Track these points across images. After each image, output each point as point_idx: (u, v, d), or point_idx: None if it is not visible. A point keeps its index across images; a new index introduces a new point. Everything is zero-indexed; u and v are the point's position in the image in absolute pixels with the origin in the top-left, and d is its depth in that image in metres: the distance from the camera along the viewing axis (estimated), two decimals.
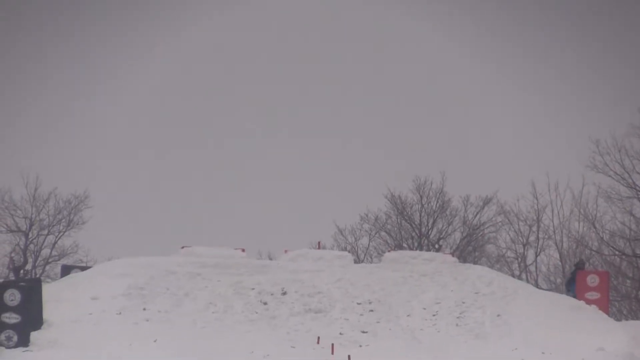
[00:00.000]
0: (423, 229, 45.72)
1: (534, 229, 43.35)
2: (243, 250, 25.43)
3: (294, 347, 17.78)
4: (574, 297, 23.37)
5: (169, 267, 22.76)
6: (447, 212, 46.12)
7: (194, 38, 74.55)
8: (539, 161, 59.14)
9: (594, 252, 39.32)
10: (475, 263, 37.53)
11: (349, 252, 35.85)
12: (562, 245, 42.07)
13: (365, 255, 46.94)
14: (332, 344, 17.98)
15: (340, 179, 66.97)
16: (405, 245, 44.60)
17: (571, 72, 70.74)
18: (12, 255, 42.55)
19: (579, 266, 24.93)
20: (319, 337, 18.94)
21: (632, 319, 26.38)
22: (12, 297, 16.62)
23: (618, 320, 24.44)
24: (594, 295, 23.13)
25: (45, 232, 44.39)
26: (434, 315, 21.29)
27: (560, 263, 42.01)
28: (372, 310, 21.46)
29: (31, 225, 43.89)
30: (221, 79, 76.77)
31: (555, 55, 73.48)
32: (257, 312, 21.20)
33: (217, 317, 20.47)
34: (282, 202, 65.12)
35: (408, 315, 21.20)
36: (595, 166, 36.27)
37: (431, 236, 45.80)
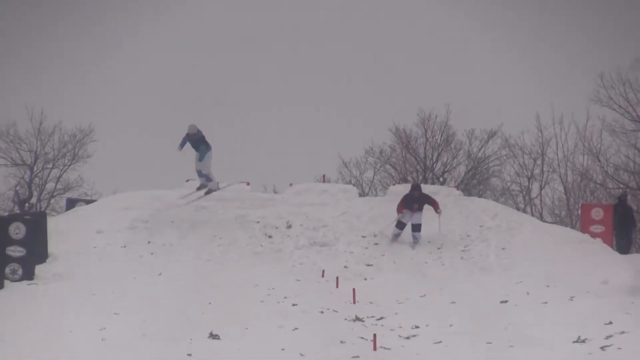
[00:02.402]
0: (428, 163, 45.71)
1: (539, 162, 43.36)
2: (248, 184, 25.41)
3: (298, 280, 17.82)
4: (615, 228, 23.43)
5: (173, 200, 22.75)
6: (452, 146, 46.11)
7: None
8: (543, 95, 58.80)
9: (598, 186, 39.34)
10: (479, 196, 37.53)
11: (353, 185, 35.89)
12: (566, 178, 42.10)
13: (370, 188, 47.02)
14: (337, 277, 18.01)
15: (345, 113, 66.75)
16: (410, 178, 44.57)
17: (576, 5, 69.93)
18: (17, 188, 42.67)
19: (622, 198, 24.73)
20: (323, 271, 18.98)
21: (637, 252, 26.37)
22: (17, 230, 16.60)
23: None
24: (598, 228, 23.12)
25: (50, 165, 44.48)
26: (438, 248, 21.32)
27: (564, 196, 42.02)
28: (376, 244, 21.49)
29: (36, 158, 43.92)
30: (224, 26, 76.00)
31: None
32: (261, 246, 21.24)
33: (221, 251, 20.51)
34: (286, 136, 65.07)
35: (412, 249, 21.24)
36: (600, 100, 36.26)
37: (436, 169, 45.81)
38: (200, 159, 21.57)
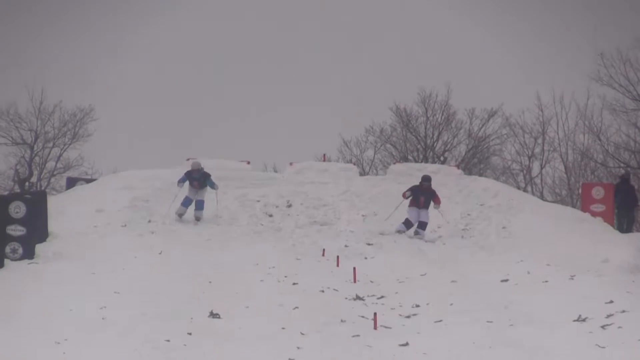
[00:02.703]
0: (428, 141, 45.66)
1: (539, 141, 43.27)
2: (248, 163, 25.37)
3: (299, 259, 17.81)
4: (617, 207, 23.39)
5: (173, 179, 22.72)
6: (453, 125, 46.04)
7: None
8: (544, 74, 58.62)
9: (599, 165, 39.32)
10: (480, 175, 37.50)
11: (354, 164, 35.84)
12: (567, 157, 42.01)
13: (370, 167, 46.99)
14: (337, 256, 18.00)
15: (346, 92, 66.62)
16: (410, 157, 44.57)
17: None
18: (18, 167, 42.63)
19: (625, 177, 24.67)
20: (324, 249, 18.96)
21: (637, 230, 26.36)
22: (17, 209, 16.57)
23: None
24: (599, 207, 23.10)
25: (51, 144, 44.39)
26: (439, 227, 21.32)
27: (565, 175, 42.01)
28: (377, 223, 21.48)
29: (36, 137, 43.85)
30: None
31: None
32: (262, 224, 21.23)
33: (222, 229, 20.51)
34: (287, 114, 64.96)
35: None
36: (600, 79, 36.18)
37: (436, 148, 45.76)
38: (212, 185, 21.38)
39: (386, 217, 21.24)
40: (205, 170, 21.58)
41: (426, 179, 21.53)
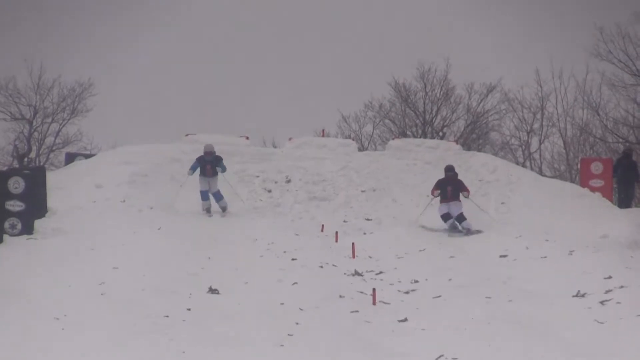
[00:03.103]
0: (427, 117, 45.53)
1: (538, 116, 43.11)
2: (247, 138, 25.31)
3: (297, 235, 17.83)
4: (617, 182, 23.37)
5: (173, 154, 22.70)
6: (451, 100, 45.86)
7: None
8: (542, 49, 58.37)
9: (597, 140, 39.30)
10: (479, 150, 37.44)
11: (353, 139, 35.80)
12: (566, 132, 41.94)
13: (369, 143, 46.87)
14: (336, 232, 18.02)
15: (345, 67, 66.40)
16: (409, 132, 44.46)
17: None
18: (16, 143, 42.52)
19: (627, 152, 24.58)
20: (322, 225, 18.98)
21: (636, 206, 26.35)
22: (16, 184, 16.57)
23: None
24: (598, 182, 23.07)
25: (50, 120, 44.23)
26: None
27: (564, 150, 41.96)
28: (376, 198, 21.48)
29: (35, 113, 43.68)
30: None
31: None
32: (261, 200, 21.24)
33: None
34: (286, 90, 64.82)
35: (412, 202, 21.24)
36: (599, 54, 35.97)
37: (435, 124, 45.64)
38: (223, 169, 20.45)
39: (417, 217, 20.06)
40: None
41: (449, 169, 20.37)
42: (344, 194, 21.73)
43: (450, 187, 19.80)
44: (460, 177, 20.29)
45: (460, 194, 19.70)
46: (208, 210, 20.20)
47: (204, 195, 20.35)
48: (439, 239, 17.97)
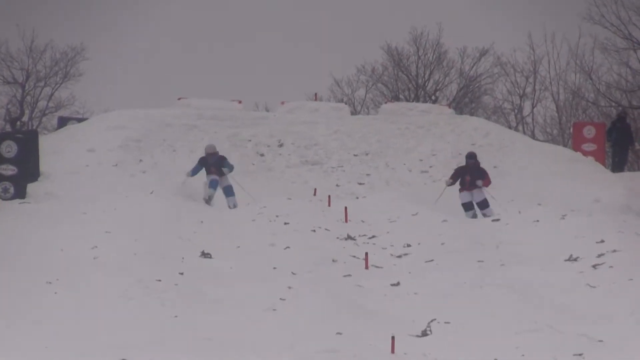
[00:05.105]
0: (420, 81, 45.42)
1: (531, 80, 43.06)
2: (240, 102, 25.21)
3: (290, 199, 17.78)
4: (612, 145, 23.37)
5: (165, 119, 22.60)
6: (444, 64, 45.73)
7: None
8: (535, 12, 58.13)
9: (590, 104, 39.30)
10: (471, 114, 37.42)
11: (345, 103, 35.69)
12: (558, 96, 41.91)
13: (362, 107, 46.75)
14: (329, 196, 17.98)
15: (337, 31, 66.10)
16: (401, 96, 44.36)
17: None
18: (9, 106, 42.37)
19: (622, 116, 24.46)
20: (315, 189, 18.97)
21: (628, 170, 26.38)
22: (9, 148, 16.53)
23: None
24: (590, 146, 23.07)
25: (42, 83, 44.08)
26: (430, 166, 21.31)
27: (556, 114, 41.96)
28: (368, 162, 21.47)
29: (27, 77, 43.49)
30: None
31: None
32: (253, 164, 21.21)
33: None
34: (278, 53, 64.54)
35: (404, 166, 21.23)
36: (592, 17, 35.77)
37: (428, 88, 45.53)
38: (230, 169, 18.34)
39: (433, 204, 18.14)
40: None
41: (470, 156, 18.49)
42: (337, 158, 21.69)
43: (469, 177, 18.03)
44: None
45: (476, 182, 17.90)
46: (210, 199, 18.05)
47: (213, 184, 18.22)
48: (432, 202, 17.95)
